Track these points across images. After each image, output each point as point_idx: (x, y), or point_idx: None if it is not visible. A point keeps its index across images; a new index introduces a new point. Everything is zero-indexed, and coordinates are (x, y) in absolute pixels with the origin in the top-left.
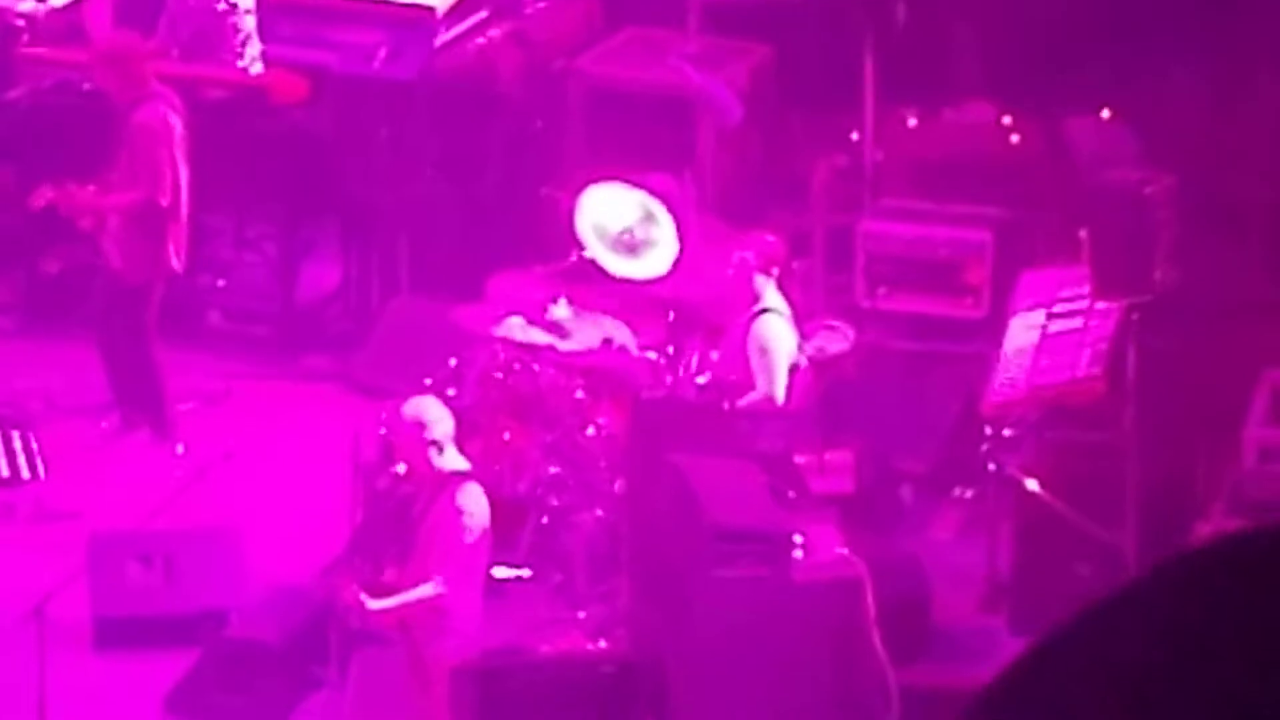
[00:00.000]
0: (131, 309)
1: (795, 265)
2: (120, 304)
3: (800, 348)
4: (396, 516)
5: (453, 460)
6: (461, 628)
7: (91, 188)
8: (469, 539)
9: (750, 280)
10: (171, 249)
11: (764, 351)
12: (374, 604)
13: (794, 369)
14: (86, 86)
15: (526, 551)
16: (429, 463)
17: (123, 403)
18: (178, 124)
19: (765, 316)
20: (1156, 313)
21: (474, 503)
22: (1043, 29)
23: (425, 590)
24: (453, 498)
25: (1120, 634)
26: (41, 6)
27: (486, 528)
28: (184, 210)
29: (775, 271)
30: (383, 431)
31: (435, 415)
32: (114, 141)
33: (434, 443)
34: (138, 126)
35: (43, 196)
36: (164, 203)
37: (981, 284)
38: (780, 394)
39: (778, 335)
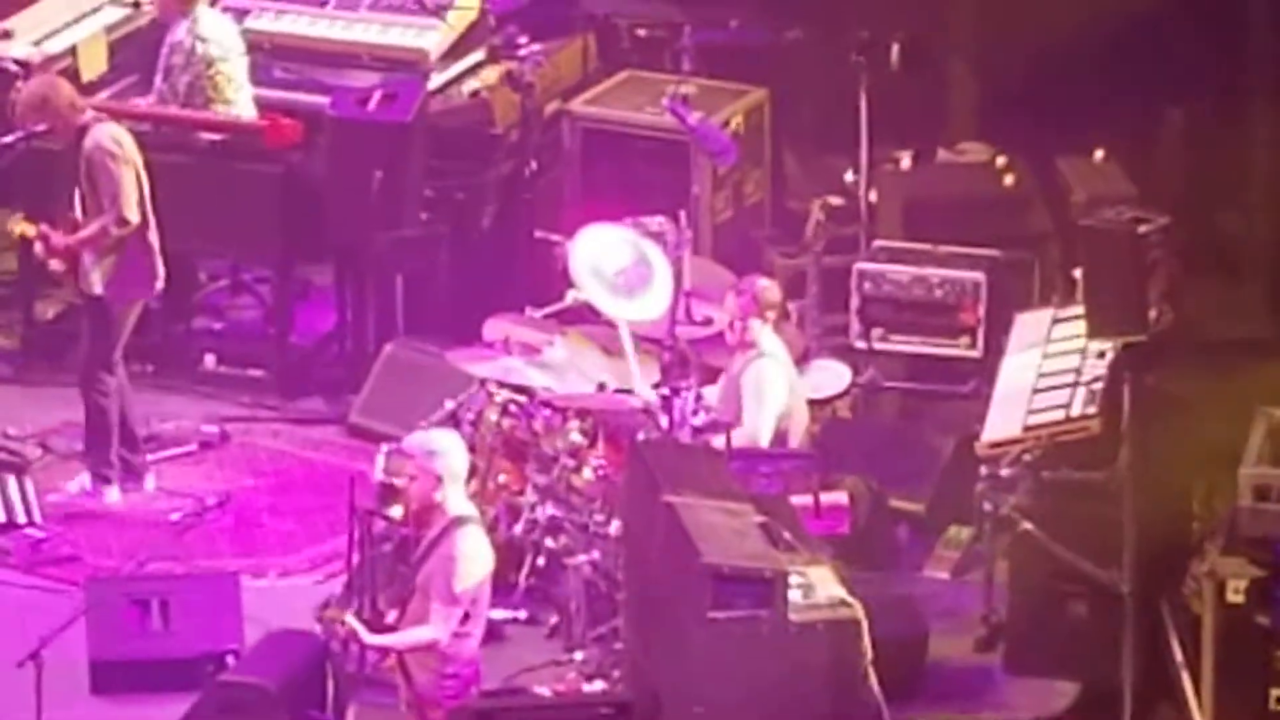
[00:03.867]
0: (101, 335)
1: (791, 306)
2: (91, 329)
3: (797, 390)
4: (394, 559)
5: (459, 503)
6: (460, 670)
7: (59, 230)
8: (469, 583)
9: (745, 323)
10: (151, 266)
11: (758, 396)
12: (371, 638)
13: (789, 413)
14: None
15: (523, 594)
16: (435, 496)
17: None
18: (126, 140)
19: (761, 361)
20: (1151, 352)
21: (475, 547)
22: (1036, 70)
23: (424, 633)
24: (455, 541)
25: None
26: (35, 52)
27: (488, 572)
28: (153, 226)
29: (771, 315)
30: (379, 475)
31: (455, 449)
32: (70, 180)
33: (445, 475)
34: (88, 155)
35: (17, 223)
36: (134, 219)
37: (976, 324)
38: (766, 438)
39: (772, 381)
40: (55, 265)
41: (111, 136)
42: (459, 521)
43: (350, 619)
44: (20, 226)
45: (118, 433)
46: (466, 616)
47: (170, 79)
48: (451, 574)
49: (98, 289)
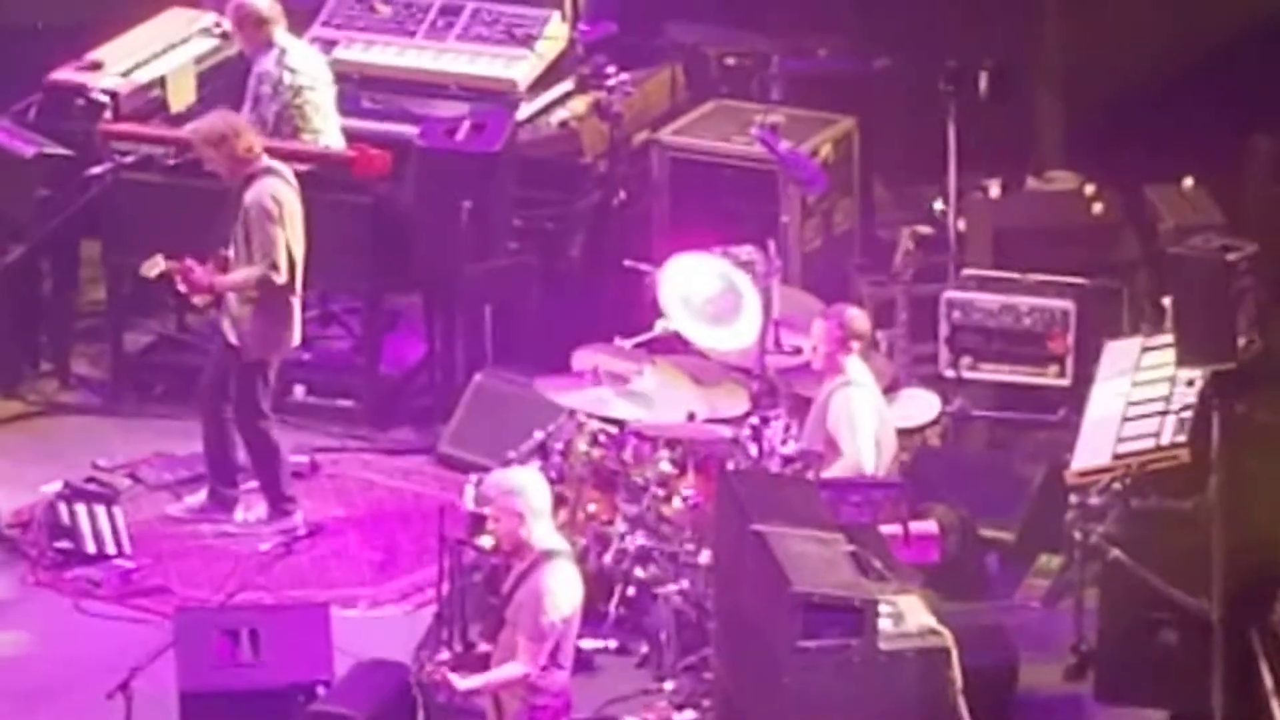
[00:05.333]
0: (247, 385)
1: (880, 335)
2: (236, 380)
3: (886, 419)
4: (484, 589)
5: (547, 536)
6: (550, 702)
7: (209, 265)
8: (557, 617)
9: (835, 352)
10: (288, 326)
11: (850, 424)
12: (463, 684)
13: (878, 441)
14: (171, 162)
15: (613, 623)
16: (521, 533)
17: (213, 478)
18: (290, 199)
19: (849, 390)
20: (1241, 380)
21: (564, 581)
22: (1123, 98)
23: (514, 669)
24: (543, 575)
25: None
26: (124, 83)
27: (577, 606)
28: (297, 290)
29: (858, 345)
30: (470, 504)
31: (535, 485)
32: (228, 220)
33: (527, 512)
34: (249, 205)
35: (155, 266)
36: (280, 280)
37: (1065, 352)
38: (868, 466)
39: (861, 409)
40: (198, 300)
41: (273, 195)
42: (547, 555)
43: (444, 670)
44: (157, 268)
45: (280, 465)
46: (556, 648)
47: (259, 108)
48: (539, 609)
49: (232, 338)
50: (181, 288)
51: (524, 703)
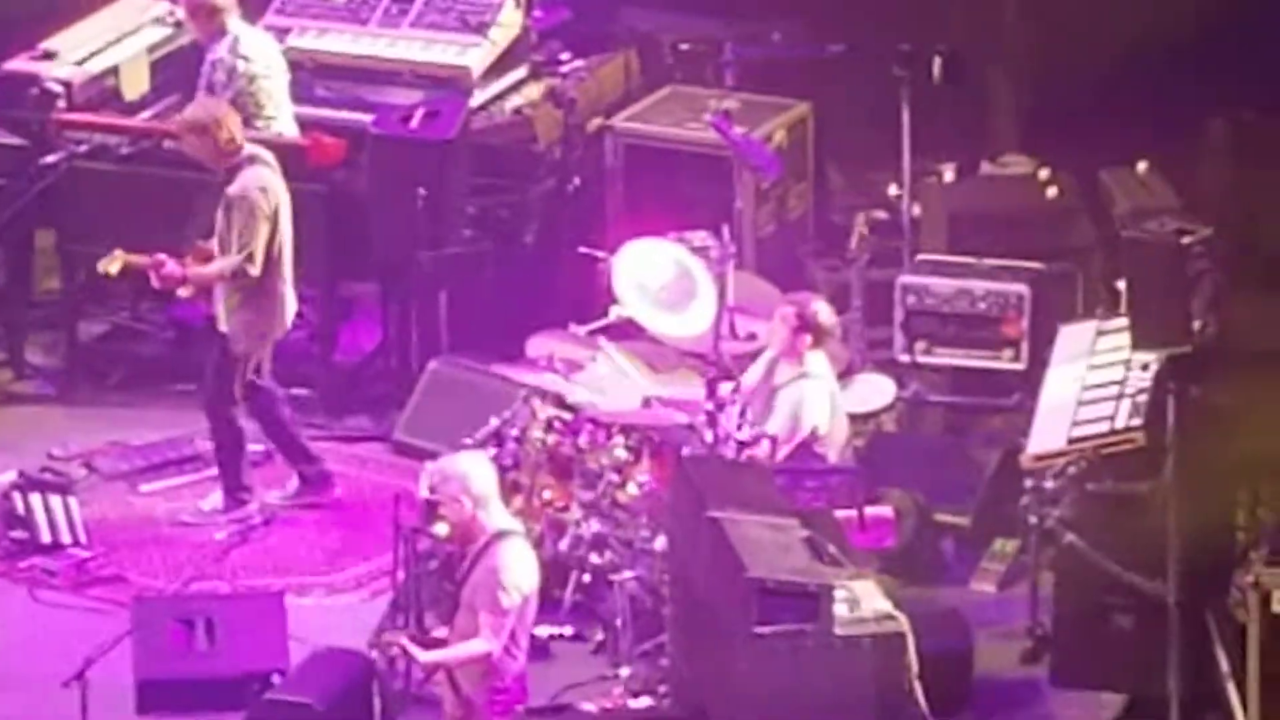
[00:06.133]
0: (225, 373)
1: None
2: (215, 364)
3: (840, 404)
4: (439, 577)
5: (498, 517)
6: (508, 685)
7: (186, 257)
8: (515, 596)
9: (789, 338)
10: (276, 317)
11: (793, 416)
12: (424, 655)
13: (831, 429)
14: (124, 151)
15: (568, 610)
16: (469, 518)
17: (294, 462)
18: (278, 188)
19: (803, 383)
20: (1195, 363)
21: (519, 558)
22: (1078, 81)
23: (475, 646)
24: (498, 553)
25: None
26: (78, 72)
27: (534, 585)
28: (285, 278)
29: (810, 339)
30: (424, 492)
31: (477, 470)
32: (207, 209)
33: (477, 497)
34: (233, 195)
35: (114, 261)
36: (254, 273)
37: (1020, 337)
38: (779, 457)
39: (811, 405)
40: (183, 292)
41: (260, 186)
42: (500, 535)
43: (404, 640)
44: (117, 264)
45: (242, 454)
46: (513, 636)
47: (212, 96)
48: (498, 585)
49: (222, 326)
50: (156, 284)
51: (482, 686)
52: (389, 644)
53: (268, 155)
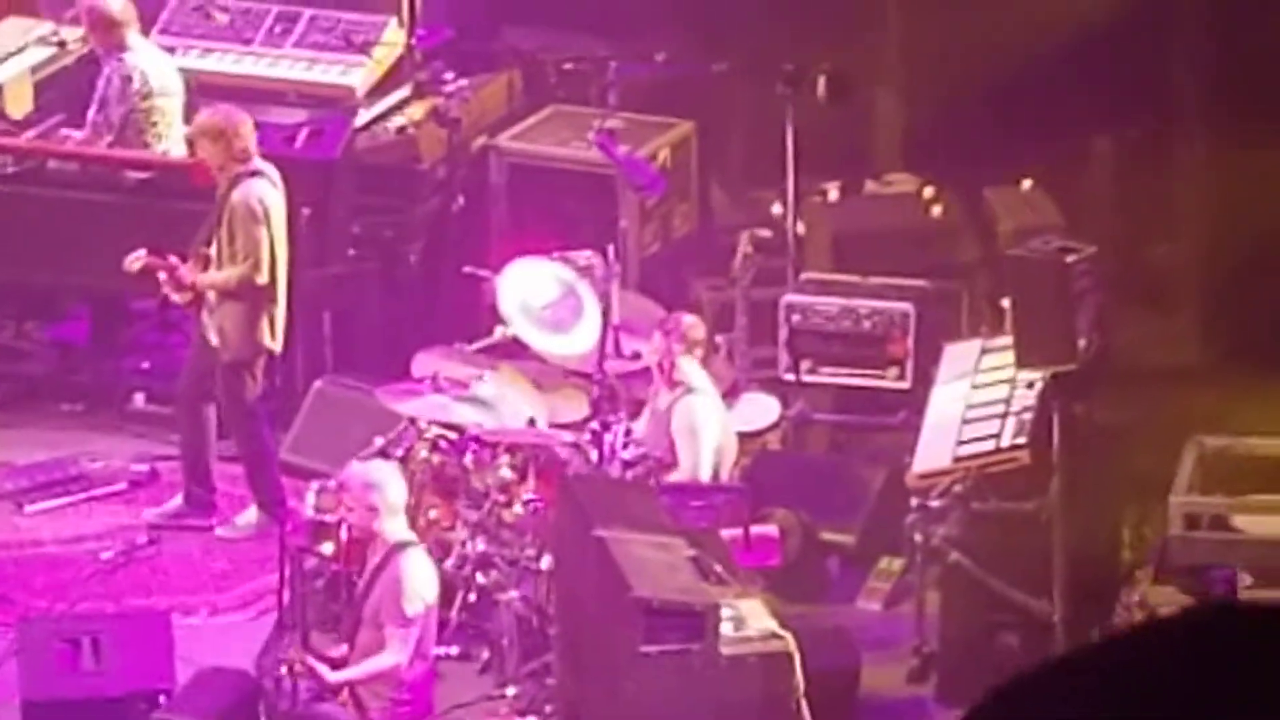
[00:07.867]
0: (233, 386)
1: (719, 339)
2: (221, 381)
3: (727, 423)
4: (325, 596)
5: (399, 530)
6: (413, 698)
7: (190, 263)
8: (420, 605)
9: (673, 357)
10: (267, 328)
11: (691, 432)
12: (332, 675)
13: (721, 447)
14: (9, 170)
15: (454, 629)
16: (374, 526)
17: (189, 479)
18: (277, 201)
19: (690, 398)
20: (1080, 381)
21: (421, 569)
22: (962, 100)
23: (385, 659)
24: (401, 565)
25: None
26: None
27: (435, 595)
28: (282, 289)
29: (699, 352)
30: (310, 511)
31: (393, 480)
32: (213, 218)
33: (390, 505)
34: (235, 205)
35: (138, 260)
36: (261, 281)
37: (905, 355)
38: (706, 474)
39: (705, 417)
40: (178, 298)
41: (259, 197)
42: (400, 547)
43: (311, 660)
44: (135, 264)
45: (274, 466)
46: (420, 641)
47: (105, 110)
48: (401, 595)
49: (212, 338)
50: (165, 286)
51: (387, 700)
52: (293, 662)
53: (271, 171)
